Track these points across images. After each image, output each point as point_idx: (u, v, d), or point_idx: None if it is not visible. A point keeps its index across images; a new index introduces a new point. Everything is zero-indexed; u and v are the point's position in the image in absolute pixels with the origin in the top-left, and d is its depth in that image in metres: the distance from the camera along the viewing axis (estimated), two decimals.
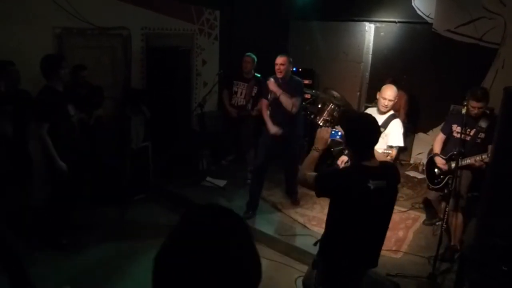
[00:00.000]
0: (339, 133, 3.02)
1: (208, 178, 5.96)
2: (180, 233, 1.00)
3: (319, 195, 2.68)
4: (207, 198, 5.39)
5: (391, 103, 4.15)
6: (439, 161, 4.33)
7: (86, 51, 5.07)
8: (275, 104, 4.78)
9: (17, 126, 4.09)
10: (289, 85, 4.75)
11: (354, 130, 2.60)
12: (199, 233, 0.97)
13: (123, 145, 5.39)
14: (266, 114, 4.93)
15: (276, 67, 4.68)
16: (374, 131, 2.58)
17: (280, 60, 4.68)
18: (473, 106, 4.04)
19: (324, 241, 2.75)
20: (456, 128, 4.27)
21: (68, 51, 4.86)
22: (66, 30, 4.82)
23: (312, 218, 5.01)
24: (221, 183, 5.87)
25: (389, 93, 4.15)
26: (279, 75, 4.71)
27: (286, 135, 4.80)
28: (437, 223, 4.77)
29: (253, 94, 5.86)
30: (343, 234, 2.59)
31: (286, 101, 4.62)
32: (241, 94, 6.09)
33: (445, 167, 4.28)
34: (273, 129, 4.80)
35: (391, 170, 2.69)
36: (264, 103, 4.98)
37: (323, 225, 2.81)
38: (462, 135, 3.95)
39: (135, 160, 5.44)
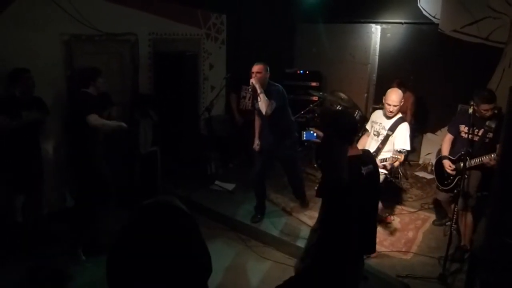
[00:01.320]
0: (315, 134, 3.21)
1: (216, 182, 5.97)
2: (140, 234, 1.04)
3: (319, 196, 2.78)
4: (216, 202, 5.41)
5: (396, 108, 4.18)
6: (447, 164, 4.28)
7: (94, 57, 5.11)
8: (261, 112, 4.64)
9: (31, 132, 4.18)
10: (267, 93, 4.50)
11: (337, 124, 2.73)
12: (158, 233, 1.02)
13: (132, 150, 5.43)
14: (257, 124, 4.92)
15: (253, 75, 4.50)
16: (354, 120, 2.90)
17: (256, 68, 4.52)
18: (485, 109, 3.99)
19: (321, 240, 2.74)
20: (464, 129, 4.23)
21: (76, 57, 4.92)
22: (74, 36, 4.87)
23: None
24: (230, 187, 5.88)
25: (393, 98, 4.17)
26: None
27: (278, 142, 4.75)
28: (447, 224, 4.74)
29: None
30: (342, 228, 2.59)
31: (264, 100, 4.41)
32: (249, 99, 6.10)
33: (453, 173, 4.25)
34: (256, 143, 4.89)
35: (371, 154, 3.03)
36: (256, 114, 4.93)
37: None
38: (470, 135, 3.92)
39: (143, 165, 5.48)
